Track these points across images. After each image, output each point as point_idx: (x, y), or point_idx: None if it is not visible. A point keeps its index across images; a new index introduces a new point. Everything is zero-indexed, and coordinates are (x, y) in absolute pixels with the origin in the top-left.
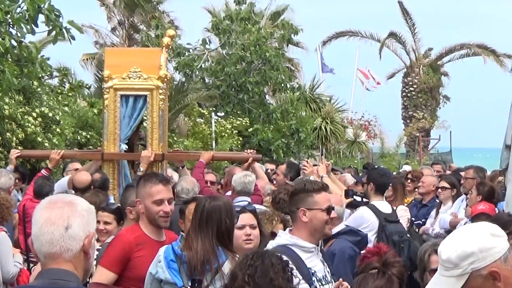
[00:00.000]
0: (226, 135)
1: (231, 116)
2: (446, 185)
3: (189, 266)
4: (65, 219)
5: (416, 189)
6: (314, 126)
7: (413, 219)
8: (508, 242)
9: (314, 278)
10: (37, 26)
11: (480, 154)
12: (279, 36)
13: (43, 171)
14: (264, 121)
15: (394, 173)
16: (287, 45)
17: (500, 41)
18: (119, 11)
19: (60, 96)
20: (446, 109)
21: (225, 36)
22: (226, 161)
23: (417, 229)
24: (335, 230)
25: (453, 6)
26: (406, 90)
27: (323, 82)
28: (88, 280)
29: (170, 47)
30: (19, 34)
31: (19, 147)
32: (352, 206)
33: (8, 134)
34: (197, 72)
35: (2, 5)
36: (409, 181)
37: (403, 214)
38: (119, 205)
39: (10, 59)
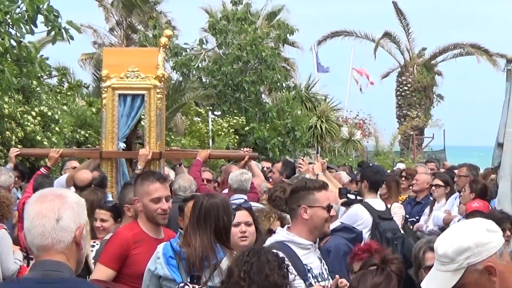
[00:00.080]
0: (222, 133)
1: (227, 115)
2: (440, 182)
3: (188, 263)
4: (56, 212)
5: (410, 187)
6: (309, 124)
7: (407, 216)
8: (503, 238)
9: (309, 275)
10: (36, 26)
11: (474, 152)
12: (275, 36)
13: (42, 169)
14: (260, 120)
15: (388, 171)
16: (283, 45)
17: (493, 41)
18: (117, 12)
19: (59, 95)
20: (440, 108)
21: (221, 36)
22: (222, 159)
23: (411, 226)
24: (330, 227)
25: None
26: (400, 89)
27: (318, 81)
28: (88, 276)
29: (168, 47)
30: (18, 34)
31: (19, 146)
32: (346, 204)
33: (7, 133)
34: (194, 72)
35: (2, 6)
36: (403, 179)
37: (398, 212)
38: (116, 202)
39: (9, 59)
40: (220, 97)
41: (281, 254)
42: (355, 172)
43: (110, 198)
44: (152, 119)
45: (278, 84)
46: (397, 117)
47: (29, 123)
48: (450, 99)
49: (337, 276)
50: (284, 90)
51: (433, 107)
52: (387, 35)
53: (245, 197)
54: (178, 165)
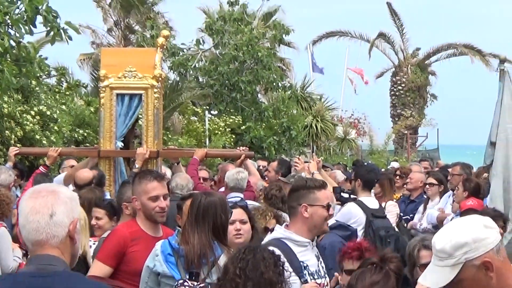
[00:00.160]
0: (219, 132)
1: (224, 114)
2: (434, 181)
3: (186, 260)
4: (49, 207)
5: (405, 185)
6: (305, 124)
7: (402, 214)
8: (500, 234)
9: (305, 272)
10: (35, 26)
11: (468, 151)
12: (271, 36)
13: (41, 168)
14: (256, 119)
15: (383, 169)
16: (279, 45)
17: (486, 41)
18: (115, 12)
19: (58, 95)
20: (434, 107)
21: (218, 37)
22: (219, 158)
23: (405, 224)
24: None
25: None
26: (395, 89)
27: (313, 81)
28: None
29: (165, 47)
30: (17, 35)
31: (18, 145)
32: (340, 202)
33: (7, 132)
34: (191, 72)
35: (1, 6)
36: (397, 177)
37: (392, 210)
38: (111, 200)
39: (9, 59)
40: (216, 97)
41: (277, 252)
42: (349, 171)
43: (108, 197)
44: (150, 119)
45: (274, 84)
46: (391, 116)
47: (28, 122)
48: (444, 98)
49: (336, 274)
50: (280, 90)
51: (427, 106)
52: (381, 35)
53: (242, 195)
54: (176, 164)
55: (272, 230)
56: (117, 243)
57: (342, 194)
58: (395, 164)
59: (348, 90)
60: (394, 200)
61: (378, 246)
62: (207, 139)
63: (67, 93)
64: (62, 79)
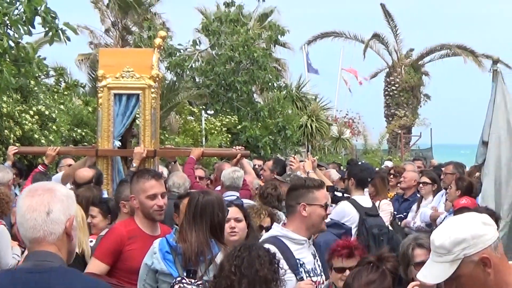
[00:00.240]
0: (215, 132)
1: (220, 114)
2: (427, 180)
3: (184, 258)
4: (46, 205)
5: (398, 184)
6: (300, 123)
7: (395, 212)
8: (497, 232)
9: (301, 269)
10: (34, 27)
11: (462, 151)
12: (267, 37)
13: (40, 167)
14: (252, 119)
15: (377, 168)
16: (274, 46)
17: (478, 42)
18: (113, 13)
19: (56, 94)
20: (427, 107)
21: (214, 37)
22: (215, 157)
23: (399, 223)
24: None
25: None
26: (389, 89)
27: (308, 81)
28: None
29: (162, 47)
30: (16, 35)
31: (17, 144)
32: (334, 201)
33: (6, 131)
34: (187, 72)
35: (0, 7)
36: (391, 176)
37: (386, 208)
38: (105, 198)
39: (8, 59)
40: (213, 97)
41: (272, 250)
42: (343, 170)
43: (105, 195)
44: (147, 118)
45: (270, 84)
46: (385, 116)
47: (27, 122)
48: (437, 98)
49: None
50: (275, 90)
51: (420, 106)
52: (375, 36)
53: (238, 194)
54: (172, 163)
55: (266, 228)
56: (114, 241)
57: (335, 193)
58: (389, 163)
59: (343, 90)
60: (388, 199)
61: (371, 245)
62: (204, 139)
63: (66, 93)
64: (61, 79)
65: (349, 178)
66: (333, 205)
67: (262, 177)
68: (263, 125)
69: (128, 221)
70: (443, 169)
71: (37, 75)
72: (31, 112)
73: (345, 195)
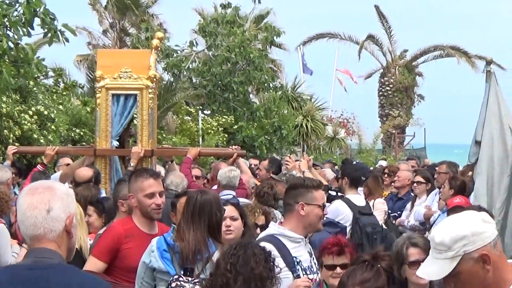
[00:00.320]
0: (212, 132)
1: (217, 114)
2: (421, 179)
3: (181, 256)
4: (46, 203)
5: (392, 183)
6: (295, 123)
7: (389, 211)
8: (496, 230)
9: (298, 267)
10: (33, 28)
11: (455, 150)
12: (263, 38)
13: (39, 166)
14: (248, 119)
15: (371, 168)
16: (270, 47)
17: (472, 43)
18: (111, 15)
19: (55, 95)
20: (421, 108)
21: (211, 38)
22: (212, 157)
23: (394, 221)
24: None
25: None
26: (383, 90)
27: (304, 82)
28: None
29: (159, 48)
30: (16, 37)
31: (16, 144)
32: (328, 200)
33: (5, 131)
34: (184, 73)
35: (0, 9)
36: (385, 175)
37: (380, 207)
38: (102, 197)
39: (7, 60)
40: (209, 97)
41: (268, 248)
42: (337, 169)
43: (103, 194)
44: (144, 118)
45: (266, 84)
46: (379, 116)
47: (26, 122)
48: (431, 99)
49: None
50: (271, 90)
51: (414, 106)
52: (370, 37)
53: (234, 193)
54: (169, 162)
55: (261, 226)
56: (112, 240)
57: (329, 192)
58: (383, 163)
59: (338, 90)
60: (383, 198)
61: (364, 243)
62: (200, 138)
63: (64, 93)
64: (59, 79)
65: (343, 177)
66: (328, 204)
67: (258, 176)
68: (259, 125)
69: (126, 220)
70: (436, 168)
71: (36, 75)
72: (30, 112)
73: (339, 194)
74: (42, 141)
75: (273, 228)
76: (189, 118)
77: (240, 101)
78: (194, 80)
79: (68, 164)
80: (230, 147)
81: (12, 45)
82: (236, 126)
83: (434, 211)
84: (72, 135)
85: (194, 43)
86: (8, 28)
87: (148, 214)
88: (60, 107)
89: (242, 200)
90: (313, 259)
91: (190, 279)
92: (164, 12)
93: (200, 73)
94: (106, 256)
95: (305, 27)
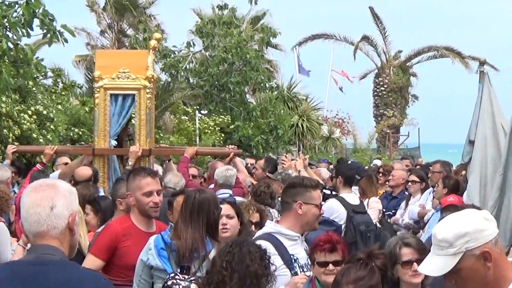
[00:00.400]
0: (209, 131)
1: (213, 114)
2: (416, 179)
3: (177, 254)
4: (50, 200)
5: (387, 182)
6: (291, 123)
7: (384, 210)
8: (497, 228)
9: (296, 264)
10: (32, 29)
11: (450, 150)
12: (259, 39)
13: (38, 165)
14: (245, 119)
15: (366, 167)
16: (266, 48)
17: (465, 44)
18: (109, 15)
19: (54, 95)
20: (415, 108)
21: (208, 39)
22: (209, 156)
23: (388, 220)
24: None
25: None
26: (377, 90)
27: (299, 82)
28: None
29: (157, 49)
30: (15, 37)
31: (15, 143)
32: (322, 199)
33: (5, 130)
34: (182, 73)
35: (0, 10)
36: (380, 174)
37: (375, 206)
38: (99, 196)
39: (7, 61)
40: (206, 97)
41: (263, 246)
42: (331, 168)
43: (102, 193)
44: (142, 118)
45: (262, 84)
46: (374, 116)
47: (25, 122)
48: (425, 99)
49: None
50: (267, 90)
51: (408, 106)
52: (365, 38)
53: (230, 191)
54: (167, 161)
55: (255, 223)
56: (109, 238)
57: (324, 190)
58: (378, 162)
59: (333, 90)
60: (377, 197)
61: (358, 241)
62: (197, 138)
63: (63, 93)
64: (58, 80)
65: (337, 177)
66: (322, 202)
67: (254, 175)
68: (255, 124)
69: (124, 218)
70: (430, 167)
71: (35, 76)
72: (30, 112)
73: (333, 193)
74: (41, 140)
75: (270, 227)
76: (186, 118)
77: (237, 101)
78: (191, 80)
79: (66, 163)
80: (227, 146)
81: (11, 46)
82: (232, 126)
83: (428, 209)
84: (71, 134)
85: (191, 44)
86: (8, 29)
87: (146, 212)
88: (59, 106)
89: (239, 199)
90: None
91: (186, 277)
92: (161, 13)
93: (197, 73)
94: (104, 254)
95: (301, 28)
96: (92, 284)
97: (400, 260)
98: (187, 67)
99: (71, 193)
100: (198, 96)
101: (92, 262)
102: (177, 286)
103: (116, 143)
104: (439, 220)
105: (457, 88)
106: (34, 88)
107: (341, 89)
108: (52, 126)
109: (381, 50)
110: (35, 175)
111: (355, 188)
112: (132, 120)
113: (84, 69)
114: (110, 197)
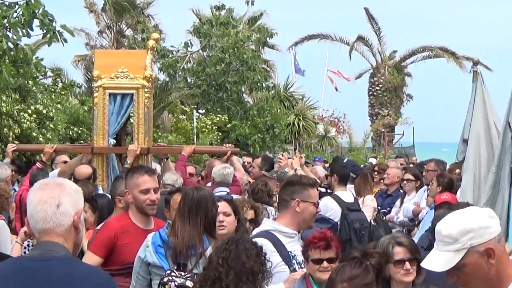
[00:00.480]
0: (206, 130)
1: (211, 113)
2: (411, 177)
3: (174, 252)
4: (56, 198)
5: (382, 180)
6: (287, 122)
7: (379, 208)
8: (500, 226)
9: (294, 261)
10: (32, 29)
11: (444, 148)
12: (256, 39)
13: (38, 164)
14: (242, 118)
15: (361, 165)
16: (263, 48)
17: (459, 44)
18: (108, 16)
19: (54, 94)
20: (409, 107)
21: (205, 39)
22: (206, 155)
23: (383, 217)
24: None
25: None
26: (373, 89)
27: (296, 82)
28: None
29: (155, 49)
30: (15, 37)
31: (15, 142)
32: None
33: (5, 129)
34: (180, 73)
35: (0, 11)
36: (375, 173)
37: (370, 204)
38: (98, 194)
39: (7, 60)
40: (204, 96)
41: (259, 244)
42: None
43: (100, 191)
44: (141, 117)
45: (259, 84)
46: (369, 115)
47: (25, 120)
48: (419, 98)
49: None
50: (264, 90)
51: (403, 106)
52: (360, 38)
53: (228, 190)
54: (165, 160)
55: (250, 220)
56: (108, 235)
57: (319, 188)
58: (373, 161)
59: (329, 90)
60: (372, 195)
61: (352, 238)
62: (195, 137)
63: (62, 92)
64: (58, 79)
65: (331, 175)
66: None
67: (251, 174)
68: (252, 123)
69: (122, 216)
70: (425, 166)
71: (35, 75)
72: (29, 111)
73: (328, 190)
74: (41, 139)
75: (267, 224)
76: (184, 117)
77: (234, 100)
78: (189, 80)
79: (65, 162)
80: (224, 145)
81: (11, 46)
82: (229, 125)
83: (422, 207)
84: (70, 133)
85: (189, 44)
86: (8, 29)
87: (143, 209)
88: (59, 106)
89: (236, 197)
90: None
91: (182, 273)
92: (159, 13)
93: (195, 73)
94: (103, 251)
95: (297, 29)
96: (95, 280)
97: (393, 259)
98: (185, 67)
99: (77, 192)
100: (195, 95)
101: (91, 259)
102: (173, 283)
103: (115, 141)
104: (433, 218)
105: (452, 88)
106: (34, 88)
107: (336, 88)
108: (51, 125)
109: (376, 50)
110: (34, 173)
111: (351, 186)
112: (131, 119)
113: (83, 68)
114: (109, 195)
